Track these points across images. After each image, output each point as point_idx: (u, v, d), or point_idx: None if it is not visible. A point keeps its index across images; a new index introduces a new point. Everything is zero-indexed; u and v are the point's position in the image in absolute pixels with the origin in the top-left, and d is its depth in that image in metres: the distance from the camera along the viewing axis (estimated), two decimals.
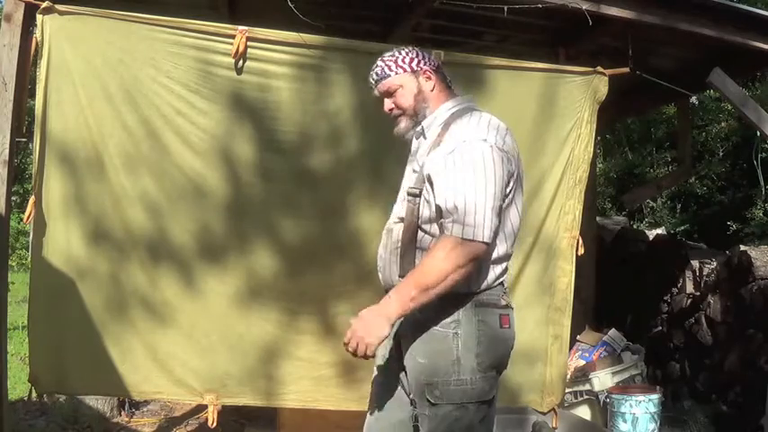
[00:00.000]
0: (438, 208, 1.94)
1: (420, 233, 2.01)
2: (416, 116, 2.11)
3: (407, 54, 2.13)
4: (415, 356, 1.98)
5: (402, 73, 2.10)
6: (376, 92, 2.16)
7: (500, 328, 2.03)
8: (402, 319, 1.98)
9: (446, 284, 1.88)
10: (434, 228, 1.99)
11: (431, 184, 1.98)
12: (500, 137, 2.00)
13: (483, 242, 1.89)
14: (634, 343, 4.68)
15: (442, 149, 1.99)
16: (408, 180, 2.11)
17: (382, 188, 2.90)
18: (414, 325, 1.98)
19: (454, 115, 2.09)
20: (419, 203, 2.01)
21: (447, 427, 1.96)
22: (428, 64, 2.14)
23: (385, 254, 2.11)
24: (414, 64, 2.12)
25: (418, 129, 2.12)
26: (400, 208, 2.09)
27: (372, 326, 1.88)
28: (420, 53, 2.16)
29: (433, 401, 1.94)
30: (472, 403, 1.97)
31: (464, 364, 1.95)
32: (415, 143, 2.14)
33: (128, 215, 2.91)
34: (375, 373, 2.18)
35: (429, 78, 2.13)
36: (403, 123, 2.13)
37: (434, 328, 1.96)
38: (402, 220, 2.05)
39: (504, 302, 2.07)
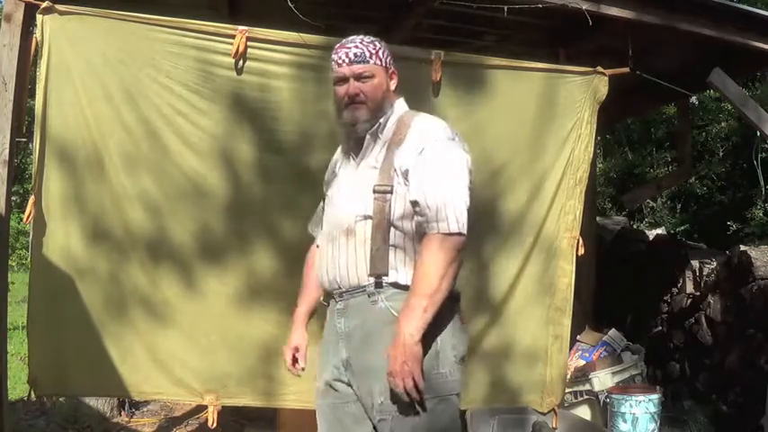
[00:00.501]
0: (415, 203, 1.95)
1: (392, 230, 1.99)
2: (378, 112, 2.07)
3: (384, 49, 2.11)
4: None
5: (379, 65, 2.08)
6: (345, 70, 2.06)
7: (461, 322, 2.07)
8: (359, 324, 1.99)
9: (448, 283, 1.90)
10: (406, 224, 1.99)
11: (406, 178, 1.97)
12: (459, 138, 2.06)
13: (462, 233, 1.93)
14: (634, 343, 4.67)
15: (411, 147, 2.00)
16: (365, 177, 2.05)
17: None
18: (394, 327, 1.93)
19: (408, 114, 2.11)
20: (390, 200, 1.98)
21: (432, 422, 1.94)
22: (393, 63, 2.14)
23: (346, 254, 2.03)
24: (388, 61, 2.11)
25: (375, 126, 2.07)
26: (359, 206, 2.02)
27: (403, 356, 1.86)
28: (389, 50, 2.14)
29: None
30: (453, 395, 1.99)
31: (443, 358, 1.96)
32: (368, 139, 2.09)
33: (127, 215, 2.91)
34: (320, 396, 2.11)
35: (393, 78, 2.13)
36: (362, 112, 2.06)
37: None
38: (367, 217, 2.00)
39: (458, 297, 2.09)
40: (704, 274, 4.92)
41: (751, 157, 10.16)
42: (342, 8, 3.93)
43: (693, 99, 9.00)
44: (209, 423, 3.02)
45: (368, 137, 2.08)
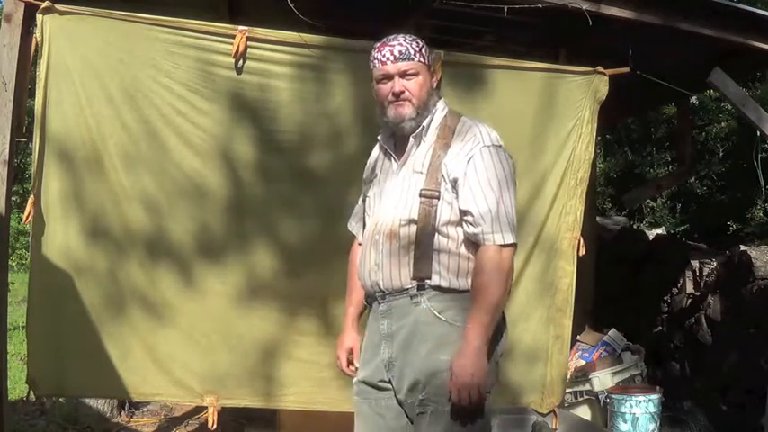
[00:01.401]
0: (466, 213, 1.97)
1: (436, 235, 2.00)
2: (423, 110, 2.06)
3: (425, 46, 2.09)
4: (438, 356, 1.97)
5: (422, 63, 2.06)
6: (390, 68, 2.04)
7: (503, 319, 2.10)
8: (402, 325, 2.01)
9: (507, 292, 1.97)
10: (450, 230, 2.00)
11: (455, 186, 1.99)
12: (503, 143, 2.07)
13: (515, 244, 2.00)
14: (634, 343, 4.67)
15: (459, 153, 2.00)
16: (409, 181, 2.05)
17: None
18: (436, 327, 1.99)
19: (450, 117, 2.10)
20: (437, 205, 1.99)
21: (468, 417, 1.97)
22: (434, 62, 2.13)
23: (386, 257, 2.04)
24: (430, 58, 2.10)
25: (419, 129, 2.07)
26: (404, 209, 2.03)
27: (472, 368, 1.89)
28: (428, 49, 2.13)
29: None
30: (488, 392, 2.01)
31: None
32: (411, 141, 2.08)
33: (127, 215, 2.90)
34: (359, 393, 2.14)
35: (434, 76, 2.11)
36: (407, 109, 2.05)
37: (459, 325, 1.97)
38: (412, 221, 2.00)
39: None
40: (704, 274, 4.92)
41: (751, 157, 10.15)
42: (342, 8, 3.92)
43: (693, 99, 9.00)
44: (209, 424, 3.00)
45: (411, 139, 2.08)
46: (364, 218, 2.22)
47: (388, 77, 2.06)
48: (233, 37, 2.88)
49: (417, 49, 2.06)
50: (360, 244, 2.24)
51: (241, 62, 2.91)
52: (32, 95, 2.94)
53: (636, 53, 3.53)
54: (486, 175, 1.98)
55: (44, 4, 2.74)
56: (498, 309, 1.95)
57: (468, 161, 1.99)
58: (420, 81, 2.05)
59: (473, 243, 2.00)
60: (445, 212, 1.99)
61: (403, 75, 2.05)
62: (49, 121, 2.80)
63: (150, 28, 2.84)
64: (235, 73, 2.92)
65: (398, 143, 2.14)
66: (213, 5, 3.87)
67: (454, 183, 1.99)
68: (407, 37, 2.09)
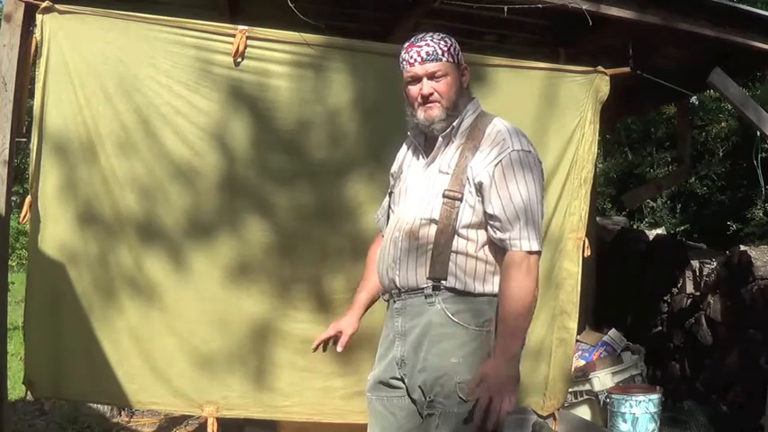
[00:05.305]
0: (491, 216, 1.96)
1: (456, 237, 1.99)
2: (453, 111, 2.04)
3: (455, 45, 2.06)
4: (448, 358, 1.97)
5: (451, 62, 2.03)
6: (418, 70, 2.02)
7: None
8: (415, 324, 2.01)
9: (536, 299, 1.95)
10: (471, 233, 1.99)
11: (480, 190, 1.97)
12: (533, 148, 2.04)
13: (541, 251, 1.98)
14: (634, 343, 4.67)
15: (486, 157, 1.99)
16: (434, 180, 2.04)
17: (384, 189, 2.89)
18: (448, 329, 1.98)
19: (482, 119, 2.08)
20: (459, 207, 1.98)
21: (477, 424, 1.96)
22: (463, 59, 2.10)
23: (404, 255, 2.04)
24: (459, 57, 2.07)
25: (449, 129, 2.05)
26: (425, 209, 2.02)
27: (505, 377, 1.88)
28: (458, 46, 2.10)
29: (465, 399, 1.94)
30: None
31: None
32: (440, 141, 2.07)
33: (123, 215, 2.89)
34: (372, 389, 2.13)
35: (465, 75, 2.10)
36: (437, 111, 2.03)
37: (471, 328, 1.98)
38: (433, 221, 1.99)
39: None
40: (704, 274, 4.91)
41: (751, 157, 10.12)
42: (342, 8, 3.92)
43: (693, 99, 9.00)
44: None
45: (440, 139, 2.06)
46: (389, 212, 2.22)
47: (417, 79, 2.04)
48: (233, 36, 2.88)
49: (445, 48, 2.03)
50: (383, 236, 2.23)
51: (241, 61, 2.90)
52: (32, 95, 2.94)
53: (636, 53, 3.53)
54: (514, 179, 1.95)
55: (44, 4, 2.74)
56: (530, 315, 1.93)
57: (496, 165, 1.97)
58: (449, 81, 2.03)
59: (493, 247, 1.99)
60: (467, 215, 1.98)
61: (431, 76, 2.02)
62: (47, 120, 2.80)
63: (150, 27, 2.84)
64: (234, 72, 2.91)
65: (428, 140, 2.13)
66: (213, 5, 3.87)
67: (479, 186, 1.97)
68: (435, 36, 2.05)
